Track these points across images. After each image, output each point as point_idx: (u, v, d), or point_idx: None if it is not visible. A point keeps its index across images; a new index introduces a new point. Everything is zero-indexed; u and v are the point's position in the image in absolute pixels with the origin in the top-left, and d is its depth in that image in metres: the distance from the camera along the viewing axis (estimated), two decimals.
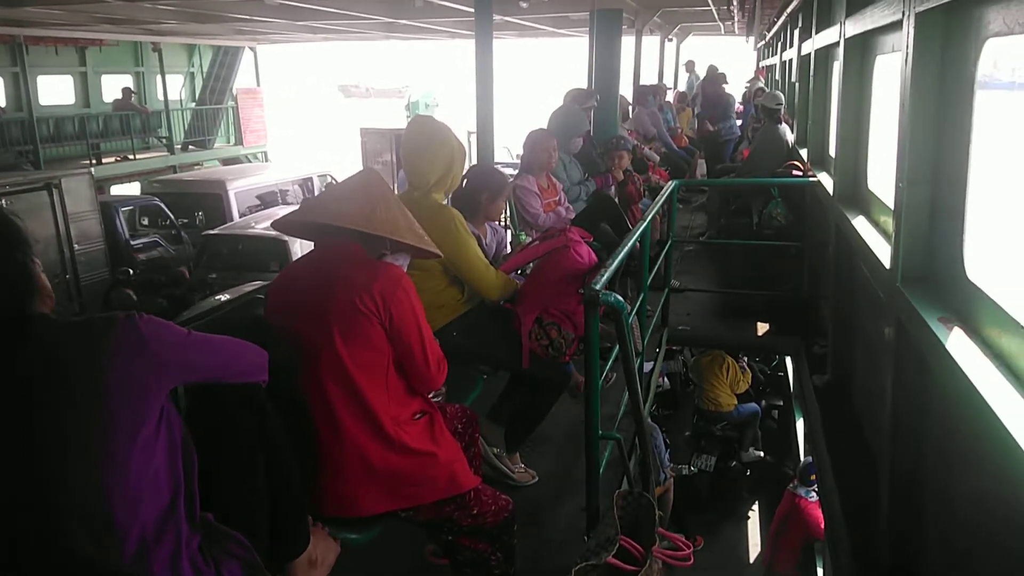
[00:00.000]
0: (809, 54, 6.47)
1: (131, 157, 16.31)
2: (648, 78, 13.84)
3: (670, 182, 5.36)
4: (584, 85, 8.79)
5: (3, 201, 9.73)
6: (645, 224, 3.73)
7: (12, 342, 1.31)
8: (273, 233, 10.01)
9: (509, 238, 4.92)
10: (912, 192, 2.55)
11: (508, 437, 3.33)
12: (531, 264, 3.50)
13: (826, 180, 5.01)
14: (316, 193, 14.15)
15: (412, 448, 2.07)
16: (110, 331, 1.35)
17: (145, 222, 12.59)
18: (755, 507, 8.52)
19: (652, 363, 4.76)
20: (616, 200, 5.17)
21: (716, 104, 10.93)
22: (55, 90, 16.22)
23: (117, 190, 15.27)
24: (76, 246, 10.68)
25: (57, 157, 14.84)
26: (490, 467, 3.23)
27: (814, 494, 6.22)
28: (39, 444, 1.29)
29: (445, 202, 3.13)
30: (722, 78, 11.85)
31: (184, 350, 1.47)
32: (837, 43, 4.44)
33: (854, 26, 3.88)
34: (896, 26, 2.78)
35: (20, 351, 1.31)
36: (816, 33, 5.98)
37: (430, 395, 2.31)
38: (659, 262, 4.99)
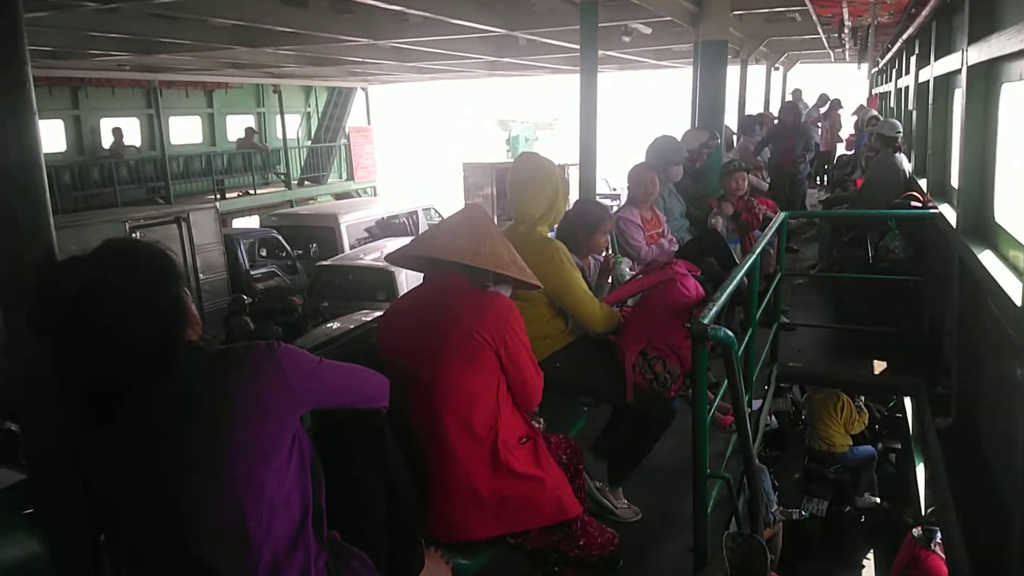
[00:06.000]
0: (927, 81, 6.21)
1: (252, 192, 17.38)
2: (754, 107, 13.58)
3: (779, 213, 5.22)
4: (687, 115, 8.73)
5: (137, 234, 10.59)
6: (755, 256, 3.65)
7: (166, 368, 1.42)
8: (381, 264, 10.43)
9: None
10: None
11: (611, 471, 3.31)
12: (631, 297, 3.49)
13: (948, 212, 4.77)
14: (420, 224, 14.62)
15: (519, 472, 2.11)
16: (252, 359, 1.45)
17: (264, 253, 13.37)
18: (870, 555, 8.02)
19: (761, 401, 4.62)
20: (727, 230, 5.10)
21: (795, 135, 8.62)
22: (184, 130, 17.50)
23: (239, 223, 16.25)
24: (201, 275, 11.48)
25: (185, 192, 15.96)
26: (593, 501, 3.21)
27: (937, 545, 5.81)
28: (189, 462, 1.39)
29: (550, 235, 3.19)
30: (836, 104, 11.19)
31: (318, 377, 1.55)
32: (958, 70, 4.25)
33: (978, 53, 3.71)
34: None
35: (172, 377, 1.42)
36: (935, 60, 5.74)
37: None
38: (768, 296, 4.86)
